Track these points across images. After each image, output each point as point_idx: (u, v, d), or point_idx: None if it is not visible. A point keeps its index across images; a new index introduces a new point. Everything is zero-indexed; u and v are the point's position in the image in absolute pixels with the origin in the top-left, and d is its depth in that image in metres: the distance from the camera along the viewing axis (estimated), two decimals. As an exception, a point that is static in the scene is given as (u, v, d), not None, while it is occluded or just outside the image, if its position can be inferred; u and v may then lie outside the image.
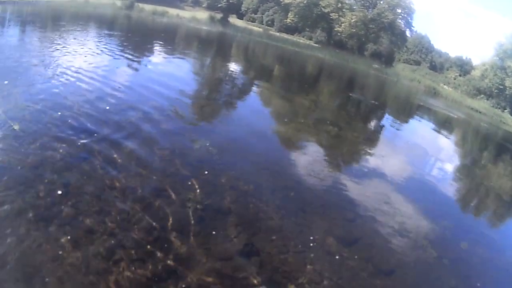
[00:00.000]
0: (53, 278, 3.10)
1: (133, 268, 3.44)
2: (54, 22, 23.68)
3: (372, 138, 12.10)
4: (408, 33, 57.92)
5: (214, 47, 29.77)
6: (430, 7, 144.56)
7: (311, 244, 4.58)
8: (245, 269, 3.84)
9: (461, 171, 11.76)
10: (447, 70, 61.80)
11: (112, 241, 3.68)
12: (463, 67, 60.70)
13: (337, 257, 4.49)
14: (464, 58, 63.56)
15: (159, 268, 3.52)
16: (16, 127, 5.50)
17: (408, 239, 5.52)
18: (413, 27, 57.99)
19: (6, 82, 7.47)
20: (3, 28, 17.63)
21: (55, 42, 14.16)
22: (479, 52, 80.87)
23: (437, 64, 63.79)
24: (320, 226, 5.11)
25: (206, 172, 5.71)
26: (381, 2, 53.50)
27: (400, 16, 54.43)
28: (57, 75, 8.79)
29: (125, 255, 3.56)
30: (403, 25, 55.35)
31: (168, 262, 3.62)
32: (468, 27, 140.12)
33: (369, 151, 10.04)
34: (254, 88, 15.15)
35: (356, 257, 4.62)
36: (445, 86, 51.03)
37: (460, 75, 57.97)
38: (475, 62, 59.92)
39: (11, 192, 3.95)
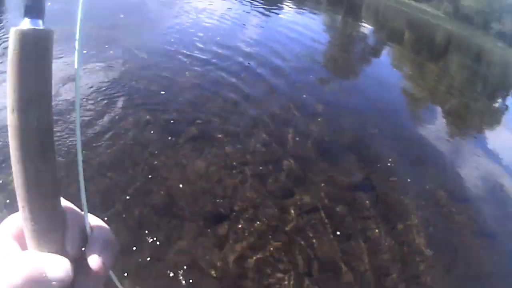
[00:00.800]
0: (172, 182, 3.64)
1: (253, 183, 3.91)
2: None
3: (496, 111, 11.88)
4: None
5: (344, 7, 28.72)
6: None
7: (424, 193, 4.85)
8: (362, 201, 4.20)
9: None
10: None
11: (236, 161, 4.18)
12: None
13: (445, 209, 4.74)
14: None
15: (278, 185, 4.00)
16: (144, 55, 6.07)
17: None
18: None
19: (122, 15, 7.96)
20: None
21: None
22: None
23: None
24: (435, 179, 5.32)
25: (328, 113, 6.18)
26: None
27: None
28: (182, 15, 9.17)
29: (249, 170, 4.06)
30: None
31: (286, 182, 4.09)
32: None
33: (492, 122, 9.96)
34: (385, 49, 15.14)
35: (462, 214, 4.80)
36: None
37: None
38: None
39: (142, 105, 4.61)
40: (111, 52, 5.86)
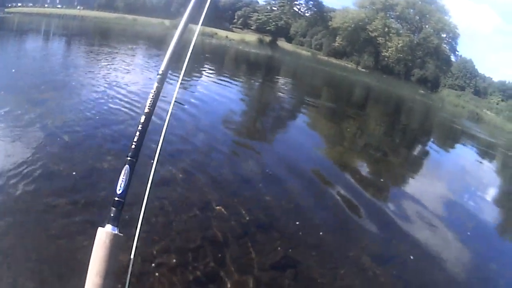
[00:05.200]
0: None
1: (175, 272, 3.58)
2: (101, 38, 25.67)
3: (415, 163, 12.13)
4: (452, 58, 58.63)
5: (263, 71, 30.90)
6: (475, 26, 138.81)
7: (346, 260, 4.69)
8: (280, 280, 3.96)
9: (504, 198, 10.95)
10: (490, 95, 61.78)
11: (158, 246, 3.88)
12: (506, 91, 60.34)
13: (370, 273, 4.54)
14: (506, 82, 63.30)
15: (198, 274, 3.64)
16: (66, 138, 5.87)
17: (441, 261, 5.38)
18: (458, 51, 58.74)
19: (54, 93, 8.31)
20: (48, 41, 19.37)
21: (102, 59, 15.40)
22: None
23: (480, 89, 63.37)
24: (356, 244, 5.19)
25: (251, 187, 6.07)
26: (427, 26, 54.22)
27: (445, 41, 55.26)
28: (104, 90, 9.40)
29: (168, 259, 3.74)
30: (448, 50, 56.10)
31: (207, 269, 3.76)
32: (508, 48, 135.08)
33: (411, 175, 9.98)
34: (302, 111, 15.73)
35: (387, 274, 4.65)
36: (488, 112, 51.21)
37: (502, 100, 57.96)
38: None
39: (60, 198, 4.25)
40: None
